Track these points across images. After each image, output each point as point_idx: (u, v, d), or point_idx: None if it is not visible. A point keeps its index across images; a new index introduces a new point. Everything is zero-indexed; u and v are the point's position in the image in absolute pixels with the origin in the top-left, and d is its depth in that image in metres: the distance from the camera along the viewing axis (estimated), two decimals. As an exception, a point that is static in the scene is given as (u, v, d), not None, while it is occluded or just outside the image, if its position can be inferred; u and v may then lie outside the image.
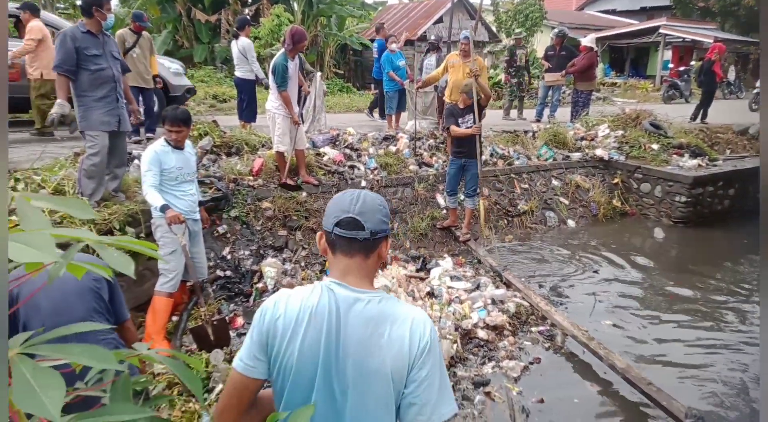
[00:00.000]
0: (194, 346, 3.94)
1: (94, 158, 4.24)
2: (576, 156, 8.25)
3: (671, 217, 7.54)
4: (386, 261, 4.63)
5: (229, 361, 3.80)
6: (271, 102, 5.59)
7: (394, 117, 8.82)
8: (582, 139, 8.79)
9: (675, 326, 4.86)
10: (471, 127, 5.77)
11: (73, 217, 3.95)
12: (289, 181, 5.83)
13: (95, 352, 0.90)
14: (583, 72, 9.61)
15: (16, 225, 0.94)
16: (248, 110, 7.78)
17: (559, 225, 7.38)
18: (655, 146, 8.19)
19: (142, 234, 4.39)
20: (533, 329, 4.62)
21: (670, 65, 19.24)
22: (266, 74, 6.34)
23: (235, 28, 7.61)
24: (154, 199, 3.76)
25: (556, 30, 10.44)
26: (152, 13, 16.14)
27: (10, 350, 0.83)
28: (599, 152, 8.26)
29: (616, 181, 8.11)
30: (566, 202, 7.64)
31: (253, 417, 1.43)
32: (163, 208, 3.75)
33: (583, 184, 7.86)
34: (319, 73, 7.86)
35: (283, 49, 5.36)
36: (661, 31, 19.38)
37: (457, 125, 5.84)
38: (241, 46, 7.33)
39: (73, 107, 4.29)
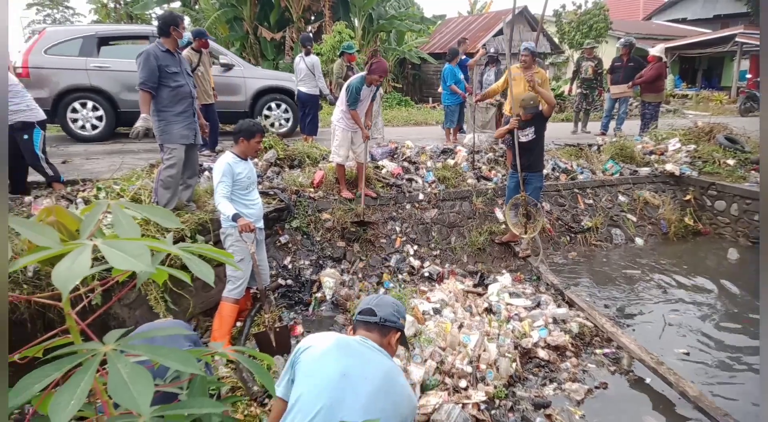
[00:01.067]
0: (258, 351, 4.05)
1: (171, 170, 4.48)
2: (644, 171, 7.90)
3: (749, 237, 7.05)
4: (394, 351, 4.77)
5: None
6: (335, 114, 5.76)
7: (452, 130, 8.79)
8: (651, 153, 8.42)
9: (752, 354, 4.52)
10: (531, 140, 5.65)
11: (149, 225, 4.20)
12: (348, 193, 5.94)
13: (180, 355, 0.96)
14: (651, 83, 9.23)
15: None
16: (311, 124, 8.01)
17: (626, 243, 7.08)
18: (731, 161, 7.72)
19: (211, 243, 4.59)
20: (597, 351, 4.44)
21: (748, 75, 18.10)
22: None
23: (305, 45, 7.87)
24: (226, 208, 3.93)
25: (622, 40, 10.08)
26: (221, 32, 16.99)
27: (105, 345, 0.90)
28: (670, 167, 7.87)
29: (688, 197, 7.69)
30: (634, 219, 7.32)
31: None
32: (235, 217, 3.92)
33: (653, 201, 7.50)
34: None
35: (363, 73, 5.49)
36: (737, 39, 18.31)
37: (514, 136, 5.74)
38: (310, 62, 7.61)
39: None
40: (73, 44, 7.84)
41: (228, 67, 8.47)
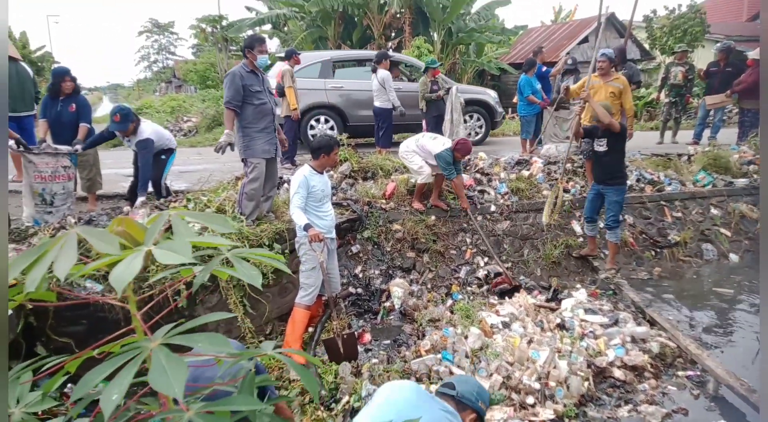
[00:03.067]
0: (326, 357, 4.21)
1: (254, 183, 4.78)
2: (741, 182, 7.29)
3: (760, 215, 6.26)
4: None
5: (356, 375, 4.00)
6: (407, 146, 5.98)
7: (528, 141, 8.62)
8: (749, 163, 7.75)
9: None
10: (604, 151, 5.43)
11: (230, 235, 4.51)
12: (419, 205, 6.02)
13: (213, 339, 1.07)
14: (750, 89, 8.51)
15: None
16: (384, 137, 8.20)
17: (718, 259, 6.55)
18: None
19: (287, 251, 4.84)
20: (680, 373, 4.16)
21: None
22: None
23: (373, 62, 8.12)
24: (299, 218, 4.15)
25: (719, 44, 9.40)
26: (307, 48, 17.81)
27: (152, 342, 1.03)
28: (772, 178, 7.20)
29: (793, 211, 6.98)
30: (728, 234, 6.76)
31: None
32: (307, 227, 4.12)
33: (750, 214, 6.90)
34: (455, 86, 7.99)
35: (450, 147, 5.60)
36: None
37: (592, 147, 5.56)
38: (380, 77, 7.81)
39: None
40: (314, 68, 9.20)
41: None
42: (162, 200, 5.31)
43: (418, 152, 5.82)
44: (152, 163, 5.23)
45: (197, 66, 29.27)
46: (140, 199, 5.06)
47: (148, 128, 5.25)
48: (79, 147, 5.33)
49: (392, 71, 8.24)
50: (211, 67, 27.25)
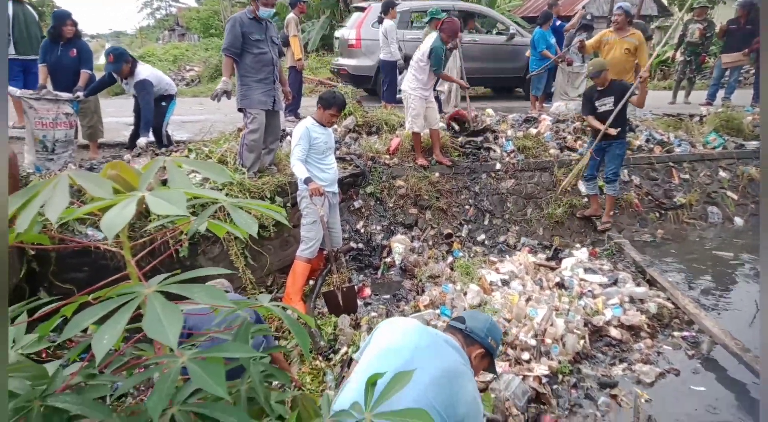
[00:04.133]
0: (326, 309, 4.27)
1: (254, 134, 4.72)
2: (752, 145, 7.15)
3: (759, 212, 6.21)
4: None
5: (355, 327, 4.06)
6: (407, 82, 5.76)
7: (539, 98, 8.42)
8: (763, 125, 7.58)
9: None
10: (611, 109, 5.31)
11: (232, 187, 4.49)
12: (423, 160, 5.94)
13: (210, 291, 1.06)
14: (770, 47, 8.20)
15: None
16: (389, 91, 8.01)
17: (722, 222, 6.51)
18: None
19: (289, 204, 4.83)
20: (676, 333, 4.20)
21: None
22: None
23: (380, 12, 7.85)
24: (300, 171, 4.10)
25: (740, 0, 9.02)
26: (313, 0, 17.22)
27: (147, 288, 1.01)
28: (784, 141, 7.05)
29: (803, 175, 6.87)
30: (735, 197, 6.69)
31: None
32: (307, 181, 4.08)
33: (759, 177, 6.80)
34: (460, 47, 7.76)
35: (437, 35, 5.43)
36: None
37: (594, 109, 5.44)
38: (384, 28, 7.56)
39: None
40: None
41: (511, 36, 9.53)
42: (164, 149, 5.26)
43: (417, 76, 5.65)
44: (153, 107, 5.14)
45: (200, 13, 28.49)
46: (143, 140, 5.01)
47: (146, 70, 5.15)
48: (80, 94, 5.24)
49: (467, 23, 8.04)
50: (215, 14, 26.49)
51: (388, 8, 7.65)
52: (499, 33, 10.19)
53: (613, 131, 5.30)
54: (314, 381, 3.39)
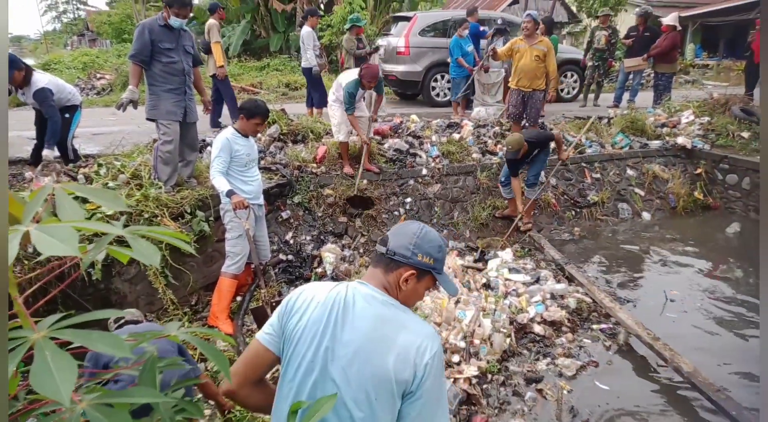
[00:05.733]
0: (255, 326, 4.14)
1: (168, 146, 4.51)
2: (655, 144, 7.73)
3: (760, 212, 6.89)
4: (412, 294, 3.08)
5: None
6: (331, 93, 5.75)
7: (460, 103, 8.67)
8: (663, 125, 8.21)
9: (754, 332, 4.47)
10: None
11: (148, 203, 4.26)
12: (350, 169, 5.94)
13: (111, 339, 0.98)
14: (664, 53, 8.93)
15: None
16: (318, 97, 7.97)
17: (632, 217, 6.99)
18: (745, 134, 7.49)
19: (211, 218, 4.65)
20: (594, 327, 4.44)
21: (774, 44, 17.32)
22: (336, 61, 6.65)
23: (301, 18, 7.83)
24: (221, 184, 3.96)
25: (638, 9, 9.75)
26: (232, 4, 16.81)
27: (37, 333, 0.93)
28: (681, 140, 7.68)
29: (699, 171, 7.52)
30: (642, 194, 7.21)
31: (257, 396, 1.56)
32: (229, 193, 3.94)
33: (662, 175, 7.36)
34: (381, 50, 7.82)
35: (357, 77, 5.40)
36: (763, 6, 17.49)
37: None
38: (302, 35, 7.56)
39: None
40: (437, 27, 10.02)
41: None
42: (71, 165, 4.91)
43: (339, 97, 5.64)
44: (60, 118, 4.79)
45: (112, 18, 27.01)
46: (48, 152, 4.64)
47: (44, 78, 4.78)
48: None
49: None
50: (128, 18, 25.22)
51: (308, 15, 7.63)
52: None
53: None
54: (244, 402, 3.26)
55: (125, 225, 1.14)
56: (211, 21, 7.12)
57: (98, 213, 3.82)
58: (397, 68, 9.92)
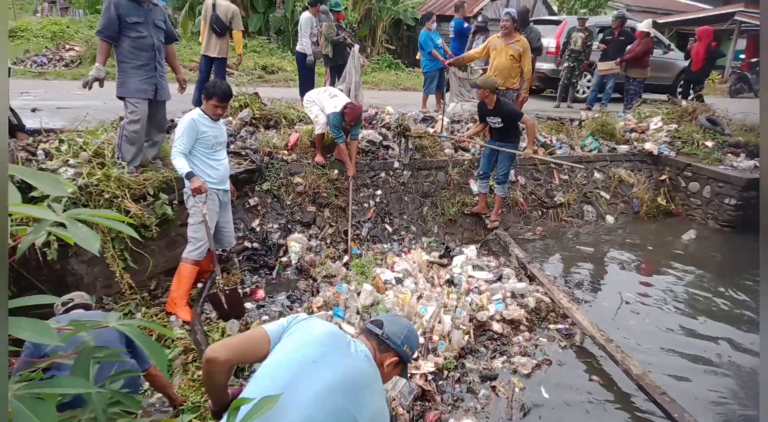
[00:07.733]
0: (213, 314, 4.10)
1: (134, 125, 4.38)
2: (623, 148, 7.90)
3: (718, 220, 7.14)
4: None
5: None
6: (308, 96, 5.87)
7: (434, 97, 8.67)
8: (632, 131, 8.39)
9: (705, 335, 4.64)
10: (500, 126, 5.64)
11: (109, 183, 4.14)
12: (322, 158, 5.89)
13: (38, 326, 0.96)
14: (637, 58, 9.10)
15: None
16: (302, 84, 7.86)
17: (596, 220, 7.14)
18: (709, 143, 7.73)
19: (175, 202, 4.55)
20: (551, 326, 4.54)
21: (742, 56, 17.85)
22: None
23: (308, 2, 7.76)
24: (181, 165, 3.87)
25: (615, 12, 9.88)
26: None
27: None
28: (648, 146, 7.87)
29: (663, 177, 7.73)
30: (607, 197, 7.37)
31: (226, 377, 1.70)
32: (189, 176, 3.86)
33: (628, 179, 7.54)
34: (357, 46, 7.75)
35: (340, 111, 5.31)
36: (736, 17, 17.95)
37: (485, 120, 5.85)
38: (301, 19, 7.50)
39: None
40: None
41: (668, 50, 11.77)
42: (31, 140, 4.73)
43: (317, 104, 5.65)
44: None
45: (85, -15, 25.96)
46: None
47: None
48: None
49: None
50: (102, -12, 24.29)
51: (316, 3, 7.56)
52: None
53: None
54: (197, 392, 3.24)
55: (76, 206, 1.11)
56: (235, 7, 6.89)
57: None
58: (546, 66, 10.95)
